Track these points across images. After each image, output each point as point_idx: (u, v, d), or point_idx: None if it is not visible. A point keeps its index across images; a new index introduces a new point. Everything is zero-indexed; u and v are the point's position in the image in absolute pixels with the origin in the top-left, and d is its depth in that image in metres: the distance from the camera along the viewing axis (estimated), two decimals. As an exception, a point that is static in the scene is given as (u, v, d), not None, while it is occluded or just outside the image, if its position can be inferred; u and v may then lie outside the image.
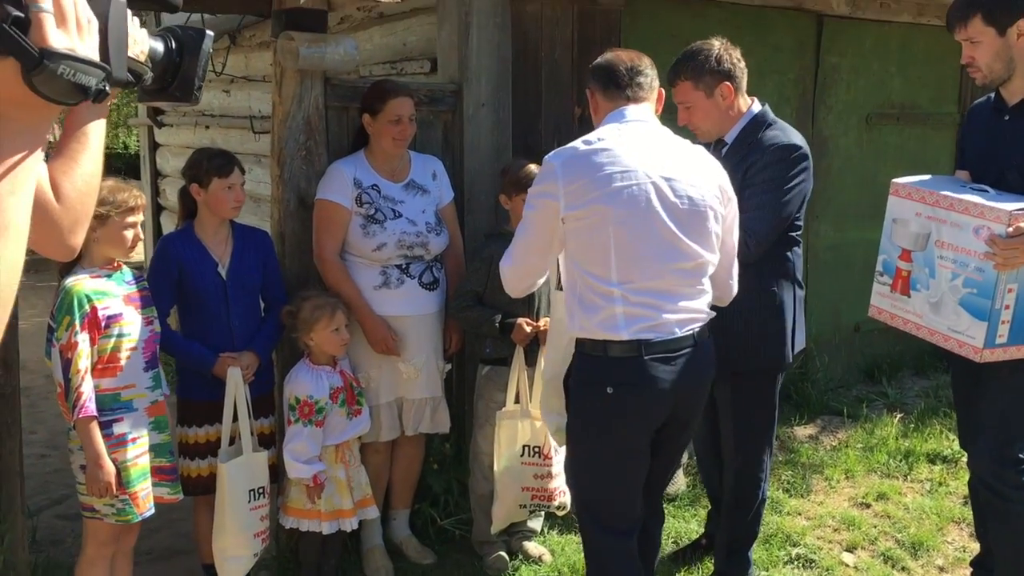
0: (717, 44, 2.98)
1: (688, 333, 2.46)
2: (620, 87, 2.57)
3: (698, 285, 2.49)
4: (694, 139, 3.30)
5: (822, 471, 4.36)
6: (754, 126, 2.99)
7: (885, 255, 2.87)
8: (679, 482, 4.14)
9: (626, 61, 2.61)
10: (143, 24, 1.06)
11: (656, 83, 2.63)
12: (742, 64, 3.00)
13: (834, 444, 4.70)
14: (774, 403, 3.13)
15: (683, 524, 3.84)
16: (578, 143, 2.49)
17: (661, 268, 2.41)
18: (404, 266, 3.35)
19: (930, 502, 4.06)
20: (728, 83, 2.95)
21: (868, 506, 4.06)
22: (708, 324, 2.55)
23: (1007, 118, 2.78)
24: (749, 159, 2.94)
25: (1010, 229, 2.49)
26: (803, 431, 4.83)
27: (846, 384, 5.45)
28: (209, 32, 1.05)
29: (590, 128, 4.18)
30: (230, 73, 6.17)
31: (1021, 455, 2.78)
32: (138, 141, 10.25)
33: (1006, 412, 2.78)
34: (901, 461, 4.47)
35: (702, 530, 3.67)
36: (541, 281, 2.75)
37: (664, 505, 3.91)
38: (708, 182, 2.49)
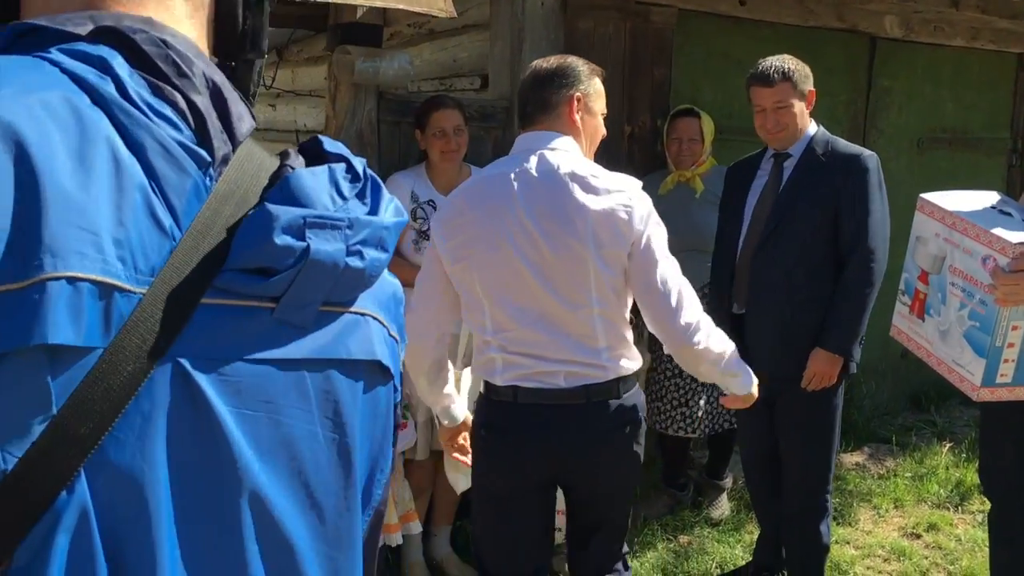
0: (794, 59, 3.13)
1: (579, 386, 2.20)
2: (520, 113, 2.33)
3: (591, 336, 2.19)
4: (742, 154, 3.33)
5: (870, 500, 4.27)
6: (820, 142, 3.09)
7: (907, 274, 2.76)
8: (723, 506, 4.08)
9: (529, 78, 2.27)
10: None
11: (578, 88, 2.24)
12: None
13: (882, 472, 4.60)
14: (839, 408, 3.16)
15: (728, 549, 3.77)
16: (466, 181, 2.39)
17: (537, 317, 2.18)
18: None
19: (982, 534, 3.95)
20: (813, 90, 3.10)
21: (919, 536, 3.97)
22: (620, 383, 2.25)
23: None
24: (827, 174, 3.03)
25: (1012, 262, 2.31)
26: (850, 459, 4.74)
27: (892, 411, 5.35)
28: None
29: (640, 146, 4.22)
30: (277, 87, 6.23)
31: None
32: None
33: None
34: (952, 491, 4.36)
35: (749, 557, 3.60)
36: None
37: (708, 530, 3.87)
38: (606, 218, 2.13)
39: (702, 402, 3.86)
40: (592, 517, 2.43)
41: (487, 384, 2.30)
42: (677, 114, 3.94)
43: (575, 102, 2.25)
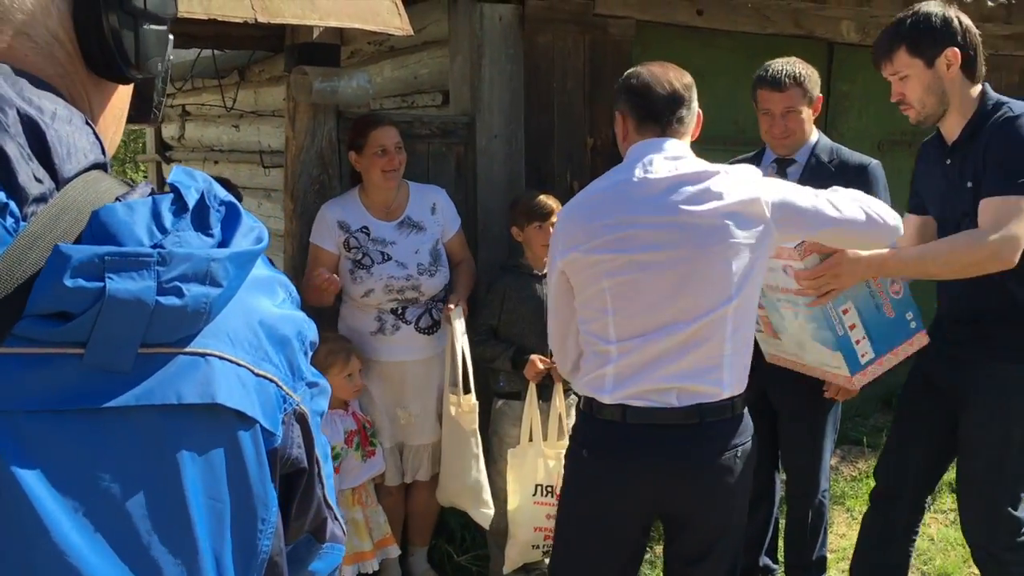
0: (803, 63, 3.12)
1: (692, 407, 2.09)
2: (658, 122, 2.16)
3: (715, 345, 2.09)
4: (713, 160, 3.33)
5: (843, 502, 4.29)
6: (824, 149, 3.06)
7: None
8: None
9: (666, 86, 2.15)
10: None
11: (696, 105, 2.23)
12: None
13: (854, 475, 4.62)
14: (838, 409, 3.18)
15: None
16: (585, 189, 2.23)
17: (666, 326, 2.07)
18: (399, 311, 3.26)
19: (955, 533, 3.98)
20: (821, 96, 3.08)
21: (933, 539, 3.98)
22: (734, 403, 2.15)
23: (949, 161, 2.59)
24: (837, 182, 3.00)
25: (804, 263, 2.36)
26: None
27: (863, 413, 5.38)
28: (170, 36, 0.87)
29: (603, 158, 4.22)
30: (240, 108, 6.19)
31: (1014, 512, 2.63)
32: (145, 177, 10.29)
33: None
34: (923, 491, 4.39)
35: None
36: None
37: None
38: (736, 214, 2.07)
39: None
40: (697, 549, 2.25)
41: (590, 401, 2.18)
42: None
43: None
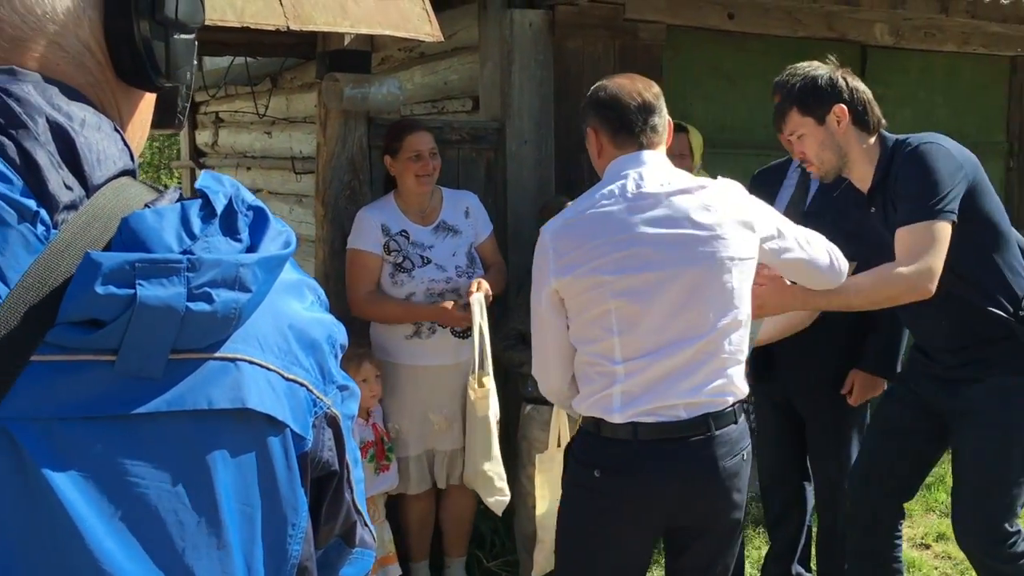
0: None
1: (700, 417, 2.10)
2: (632, 132, 2.15)
3: (718, 357, 2.11)
4: (743, 165, 3.31)
5: (878, 510, 4.23)
6: None
7: None
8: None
9: (636, 97, 2.15)
10: None
11: (666, 113, 2.22)
12: None
13: (889, 482, 4.57)
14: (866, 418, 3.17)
15: (735, 566, 3.74)
16: (573, 207, 2.18)
17: (672, 342, 2.07)
18: None
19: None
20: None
21: (928, 547, 3.93)
22: (737, 408, 2.17)
23: (872, 209, 2.66)
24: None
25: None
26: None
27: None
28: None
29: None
30: (272, 115, 6.25)
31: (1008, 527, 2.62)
32: (179, 183, 10.42)
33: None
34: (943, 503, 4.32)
35: (756, 574, 3.57)
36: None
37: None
38: (729, 225, 2.10)
39: None
40: (704, 558, 2.27)
41: (598, 421, 2.13)
42: (666, 129, 3.92)
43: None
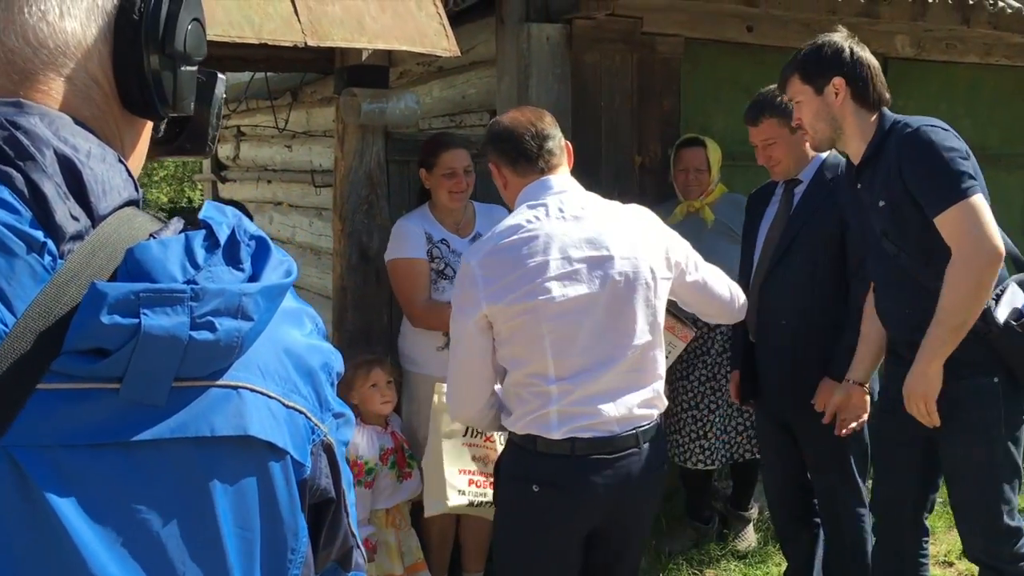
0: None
1: (631, 433, 2.22)
2: (531, 160, 2.27)
3: (643, 373, 2.24)
4: (766, 176, 3.32)
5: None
6: (831, 166, 3.10)
7: None
8: (749, 538, 4.01)
9: (529, 127, 2.29)
10: None
11: (562, 140, 2.34)
12: None
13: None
14: (866, 434, 3.11)
15: (755, 583, 3.70)
16: (496, 235, 2.23)
17: (603, 361, 2.18)
18: None
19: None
20: None
21: (951, 564, 3.87)
22: (660, 420, 2.33)
23: (859, 185, 2.65)
24: (835, 197, 3.02)
25: None
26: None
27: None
28: (222, 75, 0.91)
29: (652, 176, 4.20)
30: (292, 129, 6.29)
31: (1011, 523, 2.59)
32: (202, 196, 10.50)
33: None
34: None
35: (776, 590, 3.54)
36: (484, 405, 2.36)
37: (734, 563, 3.81)
38: (645, 245, 2.25)
39: (717, 431, 3.81)
40: (614, 554, 2.41)
41: (536, 438, 2.21)
42: (683, 144, 3.92)
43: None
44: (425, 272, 3.25)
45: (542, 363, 2.17)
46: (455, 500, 2.97)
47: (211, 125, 0.90)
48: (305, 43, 2.84)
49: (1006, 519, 2.58)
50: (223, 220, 0.75)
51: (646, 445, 2.26)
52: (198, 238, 0.73)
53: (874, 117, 2.61)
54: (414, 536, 3.27)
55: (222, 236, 0.74)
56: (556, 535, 2.28)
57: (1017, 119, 5.54)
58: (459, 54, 3.26)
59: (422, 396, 3.24)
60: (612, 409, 2.19)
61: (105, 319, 0.66)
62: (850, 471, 3.09)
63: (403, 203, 3.53)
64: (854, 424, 2.92)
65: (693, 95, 4.33)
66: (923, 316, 2.55)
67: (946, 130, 2.49)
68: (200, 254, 0.72)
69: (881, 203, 2.56)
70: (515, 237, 2.19)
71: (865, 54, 2.62)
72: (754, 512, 4.09)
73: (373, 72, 3.43)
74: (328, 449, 0.83)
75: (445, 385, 2.97)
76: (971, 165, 2.44)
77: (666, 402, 2.36)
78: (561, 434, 2.18)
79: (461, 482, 3.04)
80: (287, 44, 2.83)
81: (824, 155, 3.11)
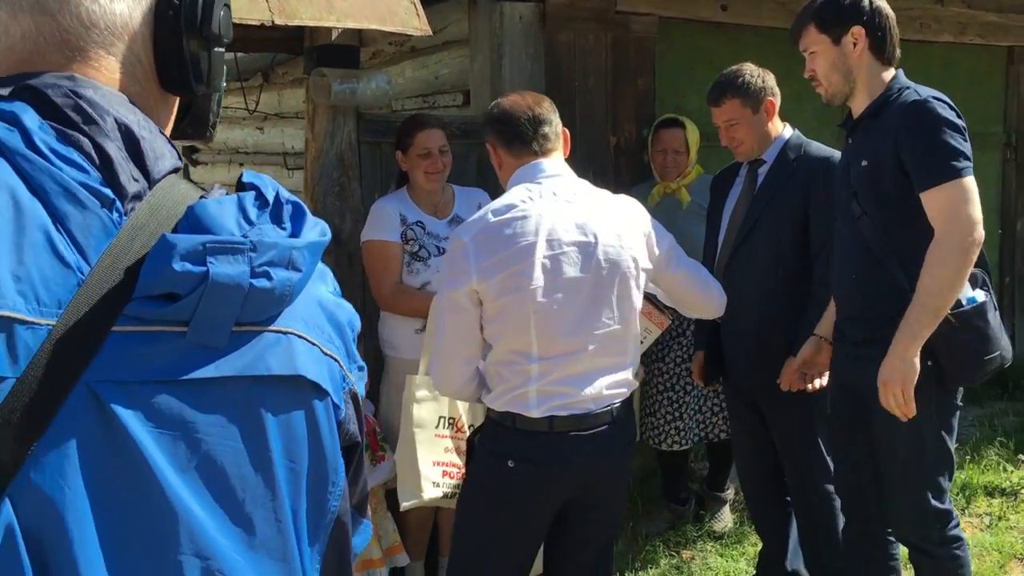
0: (753, 67, 3.12)
1: (605, 410, 2.29)
2: (525, 141, 2.31)
3: (619, 356, 2.31)
4: (729, 159, 3.30)
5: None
6: (793, 146, 3.09)
7: None
8: (725, 519, 4.02)
9: (526, 110, 2.33)
10: None
11: (560, 126, 2.38)
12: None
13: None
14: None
15: (732, 563, 3.71)
16: (489, 213, 2.25)
17: (583, 343, 2.23)
18: None
19: (990, 538, 3.89)
20: (772, 99, 3.07)
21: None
22: (631, 398, 2.40)
23: (851, 140, 2.61)
24: (798, 177, 3.01)
25: None
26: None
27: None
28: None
29: (626, 157, 4.17)
30: (263, 111, 6.20)
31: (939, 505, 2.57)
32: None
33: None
34: (958, 494, 4.29)
35: (753, 571, 3.54)
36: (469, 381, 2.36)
37: (711, 544, 3.81)
38: (631, 235, 2.31)
39: (691, 411, 3.81)
40: (591, 531, 2.44)
41: (515, 416, 2.25)
42: (661, 124, 3.88)
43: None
44: (397, 255, 3.21)
45: (525, 341, 2.21)
46: (430, 493, 2.95)
47: (212, 111, 0.95)
48: (272, 22, 2.77)
49: (933, 502, 2.54)
50: (267, 184, 0.83)
51: (620, 418, 2.33)
52: (249, 198, 0.80)
53: (887, 74, 2.54)
54: (390, 519, 3.25)
55: (270, 197, 0.82)
56: (527, 510, 2.33)
57: (991, 98, 5.56)
58: (431, 33, 3.21)
59: (401, 382, 3.21)
60: (589, 390, 2.25)
61: (177, 266, 0.73)
62: (818, 450, 3.08)
63: (375, 185, 3.48)
64: (820, 381, 2.90)
65: (668, 75, 4.30)
66: (867, 288, 2.53)
67: (952, 108, 2.44)
68: (252, 212, 0.79)
69: (864, 162, 2.51)
70: (508, 216, 2.21)
71: (883, 4, 2.55)
72: (730, 493, 4.09)
73: (343, 52, 3.37)
74: (354, 397, 0.91)
75: (417, 377, 2.99)
76: (968, 147, 2.40)
77: (637, 382, 2.43)
78: (540, 412, 2.23)
79: (435, 474, 3.01)
80: (254, 23, 2.77)
81: (787, 135, 3.10)
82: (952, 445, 2.58)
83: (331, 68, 3.28)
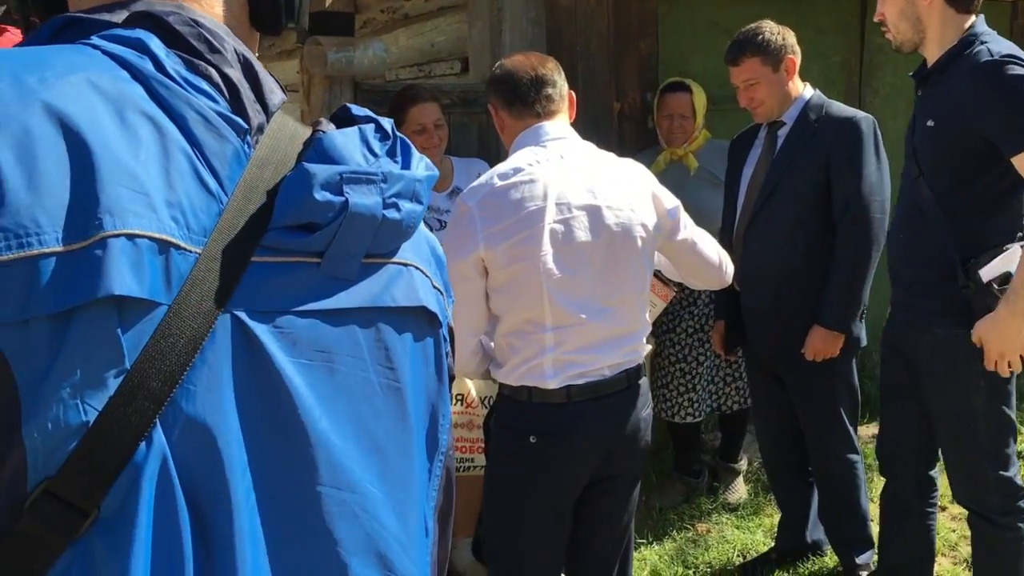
0: (773, 24, 3.01)
1: (620, 375, 2.24)
2: (527, 103, 2.24)
3: (632, 322, 2.26)
4: (748, 121, 3.19)
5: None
6: (815, 107, 2.98)
7: None
8: (740, 490, 3.96)
9: (529, 71, 2.25)
10: None
11: (566, 88, 2.31)
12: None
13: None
14: (852, 373, 3.06)
15: (748, 535, 3.65)
16: (494, 177, 2.17)
17: (598, 310, 2.17)
18: None
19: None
20: (792, 57, 2.97)
21: (944, 509, 3.84)
22: (644, 363, 2.35)
23: (920, 92, 2.51)
24: (820, 139, 2.92)
25: None
26: (865, 430, 4.61)
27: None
28: None
29: (630, 123, 4.06)
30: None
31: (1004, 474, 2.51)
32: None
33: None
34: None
35: (770, 542, 3.48)
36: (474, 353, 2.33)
37: (726, 516, 3.75)
38: (640, 198, 2.23)
39: (704, 382, 3.74)
40: (611, 500, 2.39)
41: (532, 389, 2.19)
42: (667, 88, 3.77)
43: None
44: None
45: (539, 310, 2.14)
46: None
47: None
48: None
49: (992, 470, 2.49)
50: (381, 117, 0.82)
51: (635, 383, 2.29)
52: (370, 130, 0.79)
53: (965, 22, 2.41)
54: None
55: (389, 130, 0.80)
56: (555, 485, 2.27)
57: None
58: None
59: None
60: (604, 357, 2.20)
61: (319, 195, 0.72)
62: (840, 418, 3.03)
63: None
64: None
65: (671, 38, 4.18)
66: (915, 251, 2.46)
67: None
68: (376, 144, 0.79)
69: (930, 122, 2.41)
70: (514, 179, 2.14)
71: None
72: (743, 464, 4.03)
73: (338, 20, 3.26)
74: (451, 331, 0.90)
75: None
76: None
77: (650, 346, 2.39)
78: (557, 383, 2.17)
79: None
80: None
81: (808, 95, 3.01)
82: (1011, 412, 2.51)
83: (326, 36, 3.16)
